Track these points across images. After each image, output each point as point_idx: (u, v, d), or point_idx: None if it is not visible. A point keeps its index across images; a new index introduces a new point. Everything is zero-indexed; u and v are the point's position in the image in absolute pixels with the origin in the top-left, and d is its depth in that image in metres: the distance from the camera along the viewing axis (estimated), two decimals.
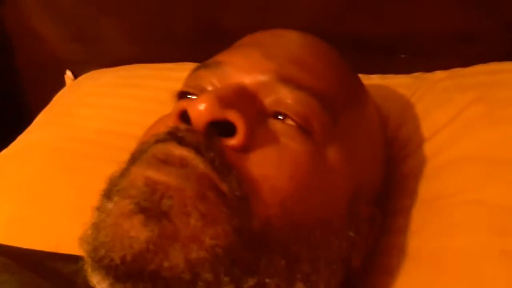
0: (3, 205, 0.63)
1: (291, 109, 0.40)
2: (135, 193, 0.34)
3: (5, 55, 0.93)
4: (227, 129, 0.37)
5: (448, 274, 0.43)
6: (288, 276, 0.37)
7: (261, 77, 0.41)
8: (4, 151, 0.71)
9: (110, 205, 0.35)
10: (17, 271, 0.42)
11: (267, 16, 0.68)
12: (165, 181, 0.34)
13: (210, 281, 0.34)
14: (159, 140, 0.37)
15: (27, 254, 0.47)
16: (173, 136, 0.37)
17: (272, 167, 0.37)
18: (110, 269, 0.34)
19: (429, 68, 0.59)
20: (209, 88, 0.42)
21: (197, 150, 0.35)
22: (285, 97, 0.40)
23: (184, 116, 0.38)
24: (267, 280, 0.36)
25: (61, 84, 0.85)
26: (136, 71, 0.76)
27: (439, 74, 0.58)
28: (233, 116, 0.37)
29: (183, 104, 0.38)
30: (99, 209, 0.37)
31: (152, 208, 0.34)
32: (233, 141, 0.37)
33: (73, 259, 0.44)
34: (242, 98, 0.39)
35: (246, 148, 0.37)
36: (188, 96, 0.43)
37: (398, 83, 0.59)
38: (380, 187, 0.49)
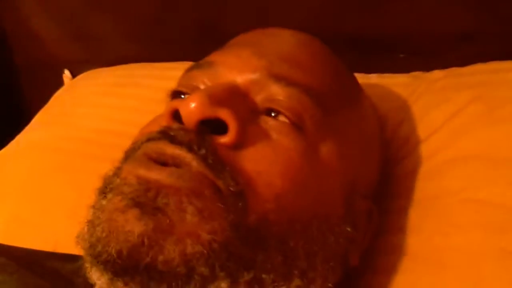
0: (1, 204, 0.63)
1: (283, 105, 0.40)
2: (129, 190, 0.35)
3: (3, 54, 0.92)
4: (219, 127, 0.37)
5: (447, 273, 0.43)
6: (285, 272, 0.37)
7: (252, 75, 0.41)
8: (3, 150, 0.71)
9: (104, 202, 0.36)
10: (15, 270, 0.42)
11: (267, 16, 0.68)
12: (157, 179, 0.34)
13: (205, 275, 0.34)
14: (151, 139, 0.37)
15: (26, 254, 0.47)
16: (165, 134, 0.37)
17: (266, 163, 0.37)
18: (108, 264, 0.34)
19: (428, 68, 0.59)
20: (201, 87, 0.42)
21: (189, 148, 0.35)
22: (276, 93, 0.40)
23: (176, 115, 0.38)
24: (263, 276, 0.36)
25: (59, 83, 0.85)
26: (134, 71, 0.76)
27: (437, 73, 0.58)
28: (224, 114, 0.37)
29: (175, 103, 0.38)
30: (94, 207, 0.37)
31: (147, 203, 0.34)
32: (225, 139, 0.37)
33: (72, 259, 0.44)
34: (233, 96, 0.39)
35: (238, 146, 0.37)
36: (182, 96, 0.43)
37: (396, 83, 0.59)
38: (377, 185, 0.49)
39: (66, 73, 0.86)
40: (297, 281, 0.37)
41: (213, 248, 0.34)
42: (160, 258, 0.33)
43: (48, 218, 0.59)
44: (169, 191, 0.34)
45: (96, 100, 0.73)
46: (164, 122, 0.39)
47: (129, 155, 0.39)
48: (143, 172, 0.35)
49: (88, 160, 0.63)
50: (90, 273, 0.36)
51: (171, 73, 0.65)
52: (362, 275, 0.47)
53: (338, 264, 0.41)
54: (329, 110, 0.42)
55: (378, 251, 0.48)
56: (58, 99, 0.79)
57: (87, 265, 0.37)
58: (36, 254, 0.48)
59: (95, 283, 0.36)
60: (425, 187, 0.49)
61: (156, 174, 0.35)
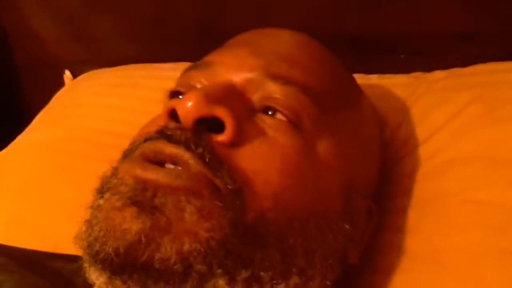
0: (2, 205, 0.63)
1: (280, 104, 0.40)
2: (126, 190, 0.35)
3: (3, 54, 0.92)
4: (216, 126, 0.37)
5: (446, 273, 0.43)
6: (283, 269, 0.37)
7: (249, 74, 0.41)
8: (4, 151, 0.71)
9: (101, 202, 0.36)
10: (16, 270, 0.42)
11: (267, 16, 0.68)
12: (154, 179, 0.34)
13: (203, 272, 0.34)
14: (148, 139, 0.38)
15: (26, 254, 0.47)
16: (162, 134, 0.37)
17: (263, 161, 0.37)
18: (106, 263, 0.34)
19: (428, 68, 0.59)
20: (199, 87, 0.42)
21: (187, 146, 0.36)
22: (273, 92, 0.40)
23: (173, 115, 0.38)
24: (261, 273, 0.36)
25: (60, 84, 0.85)
26: (135, 71, 0.76)
27: (438, 74, 0.58)
28: (220, 112, 0.37)
29: (172, 102, 0.39)
30: (92, 206, 0.38)
31: (144, 202, 0.34)
32: (222, 137, 0.37)
33: (72, 259, 0.44)
34: (230, 95, 0.39)
35: (235, 144, 0.37)
36: (179, 96, 0.44)
37: (397, 83, 0.59)
38: (376, 184, 0.49)
39: (67, 74, 0.86)
40: (295, 279, 0.37)
41: (210, 246, 0.34)
42: (157, 256, 0.33)
43: (48, 218, 0.59)
44: (167, 190, 0.34)
45: (97, 101, 0.73)
46: (161, 122, 0.39)
47: (126, 155, 0.39)
48: (140, 172, 0.35)
49: (89, 161, 0.63)
50: (89, 272, 0.37)
51: (171, 73, 0.65)
52: (361, 275, 0.47)
53: (337, 262, 0.41)
54: (327, 110, 0.42)
55: (378, 251, 0.48)
56: (59, 99, 0.79)
57: (86, 264, 0.37)
58: (36, 254, 0.48)
59: (94, 283, 0.37)
60: (425, 187, 0.49)
61: (153, 174, 0.35)
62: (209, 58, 0.44)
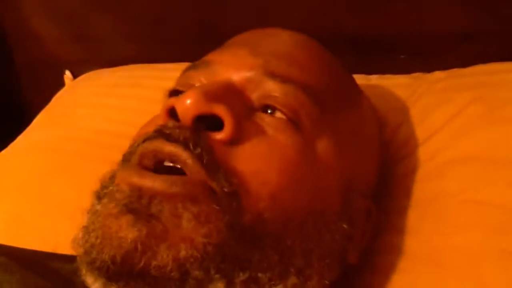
0: (2, 205, 0.63)
1: (279, 102, 0.40)
2: (121, 197, 0.35)
3: (4, 55, 0.92)
4: (215, 124, 0.37)
5: (446, 273, 0.43)
6: (281, 270, 0.37)
7: (248, 73, 0.41)
8: (4, 151, 0.71)
9: (98, 207, 0.36)
10: (17, 270, 0.42)
11: (267, 16, 0.68)
12: (150, 186, 0.34)
13: (200, 278, 0.34)
14: (147, 139, 0.37)
15: (26, 254, 0.47)
16: (160, 133, 0.37)
17: (262, 160, 0.37)
18: (102, 270, 0.34)
19: (428, 69, 0.59)
20: (198, 85, 0.42)
21: (185, 145, 0.36)
22: (272, 90, 0.40)
23: (172, 113, 0.38)
24: (259, 275, 0.36)
25: (60, 84, 0.85)
26: (135, 71, 0.76)
27: (438, 74, 0.58)
28: (219, 109, 0.37)
29: (171, 100, 0.39)
30: (89, 211, 0.38)
31: (140, 209, 0.34)
32: (220, 135, 0.37)
33: (72, 259, 0.44)
34: (229, 93, 0.39)
35: (234, 142, 0.37)
36: (179, 95, 0.43)
37: (397, 83, 0.59)
38: (375, 184, 0.49)
39: (67, 74, 0.86)
40: (293, 279, 0.37)
41: (207, 251, 0.34)
42: (154, 263, 0.33)
43: (48, 218, 0.59)
44: (163, 198, 0.34)
45: (97, 101, 0.73)
46: (160, 121, 0.39)
47: (126, 158, 0.39)
48: (136, 179, 0.35)
49: (89, 161, 0.63)
50: (85, 277, 0.37)
51: (171, 74, 0.64)
52: (361, 275, 0.47)
53: (335, 262, 0.41)
54: (326, 109, 0.42)
55: (377, 251, 0.48)
56: (59, 99, 0.79)
57: (82, 270, 0.37)
58: (36, 255, 0.48)
59: (90, 287, 0.37)
60: (425, 188, 0.49)
61: (149, 182, 0.35)
62: (208, 57, 0.45)
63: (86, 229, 0.36)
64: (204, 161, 0.35)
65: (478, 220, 0.44)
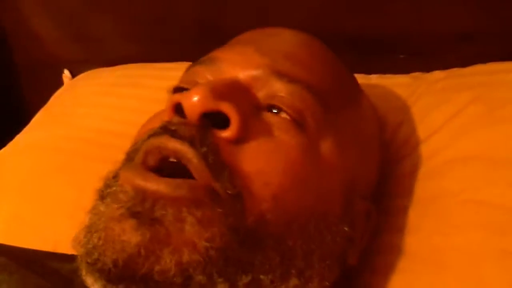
0: (1, 204, 0.63)
1: (285, 102, 0.40)
2: (125, 198, 0.34)
3: (3, 54, 0.92)
4: (221, 121, 0.37)
5: (446, 273, 0.43)
6: (283, 271, 0.37)
7: (255, 72, 0.41)
8: (2, 150, 0.71)
9: (102, 208, 0.36)
10: (16, 270, 0.42)
11: (267, 16, 0.68)
12: (154, 190, 0.34)
13: (203, 283, 0.34)
14: (152, 135, 0.37)
15: (26, 254, 0.47)
16: (166, 129, 0.37)
17: (266, 161, 0.37)
18: (103, 273, 0.34)
19: (428, 68, 0.59)
20: (204, 82, 0.42)
21: (191, 143, 0.35)
22: (278, 90, 0.40)
23: (178, 109, 0.38)
24: (261, 277, 0.36)
25: (59, 83, 0.85)
26: (134, 71, 0.76)
27: (437, 74, 0.58)
28: (226, 107, 0.37)
29: (177, 96, 0.38)
30: (92, 210, 0.37)
31: (143, 213, 0.33)
32: (227, 133, 0.37)
33: (72, 259, 0.44)
34: (236, 91, 0.39)
35: (240, 141, 0.37)
36: (184, 92, 0.43)
37: (396, 83, 0.59)
38: (375, 185, 0.49)
39: (66, 73, 0.86)
40: (294, 280, 0.37)
41: (210, 255, 0.33)
42: (157, 268, 0.33)
43: (48, 218, 0.59)
44: (167, 201, 0.34)
45: (96, 100, 0.73)
46: (165, 117, 0.39)
47: (130, 156, 0.39)
48: (140, 181, 0.34)
49: (88, 160, 0.63)
50: (85, 277, 0.36)
51: (171, 73, 0.65)
52: (360, 275, 0.47)
53: (335, 263, 0.41)
54: (329, 109, 0.42)
55: (377, 251, 0.48)
56: (58, 99, 0.79)
57: (82, 270, 0.36)
58: (36, 254, 0.48)
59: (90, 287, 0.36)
60: (424, 188, 0.49)
61: (153, 185, 0.34)
62: (214, 54, 0.44)
63: (89, 229, 0.36)
64: (210, 160, 0.35)
65: (478, 220, 0.44)
